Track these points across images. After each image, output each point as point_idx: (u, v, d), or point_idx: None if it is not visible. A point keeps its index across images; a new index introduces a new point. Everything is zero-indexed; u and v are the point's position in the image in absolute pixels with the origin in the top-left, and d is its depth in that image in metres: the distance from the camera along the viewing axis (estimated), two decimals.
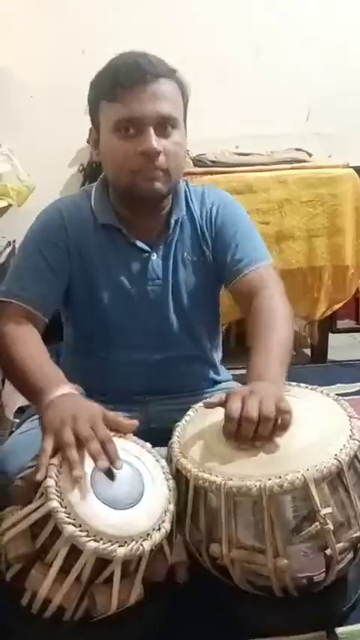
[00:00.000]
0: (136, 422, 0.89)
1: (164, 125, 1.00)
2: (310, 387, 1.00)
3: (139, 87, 0.98)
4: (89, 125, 1.13)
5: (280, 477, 0.79)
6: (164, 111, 0.99)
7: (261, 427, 0.81)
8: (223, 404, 0.86)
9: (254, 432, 0.82)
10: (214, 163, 2.07)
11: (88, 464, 0.81)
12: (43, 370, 0.94)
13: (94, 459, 0.80)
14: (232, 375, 1.29)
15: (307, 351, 2.33)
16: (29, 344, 0.99)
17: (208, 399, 0.93)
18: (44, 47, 2.32)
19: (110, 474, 0.81)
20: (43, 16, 2.31)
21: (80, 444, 0.81)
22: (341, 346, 2.34)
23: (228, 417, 0.83)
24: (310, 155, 2.20)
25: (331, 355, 2.27)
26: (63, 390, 0.89)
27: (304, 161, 2.13)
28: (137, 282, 1.11)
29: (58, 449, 0.81)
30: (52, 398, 0.88)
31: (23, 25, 2.31)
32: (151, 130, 0.99)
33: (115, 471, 0.81)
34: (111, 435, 0.84)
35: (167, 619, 0.88)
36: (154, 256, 1.11)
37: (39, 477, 0.78)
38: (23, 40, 2.32)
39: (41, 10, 2.31)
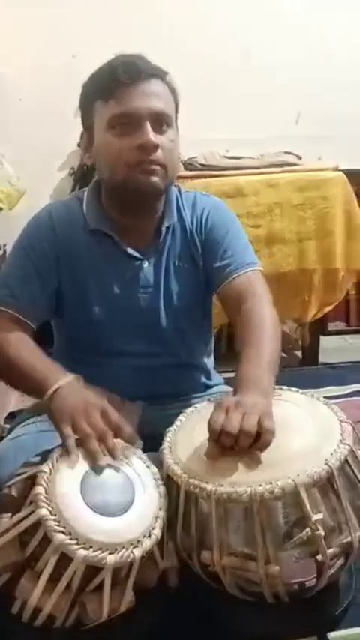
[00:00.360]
0: (139, 442, 0.92)
1: (159, 122, 1.01)
2: (300, 390, 1.00)
3: (135, 84, 0.99)
4: (80, 129, 1.12)
5: (270, 483, 0.79)
6: (159, 107, 1.00)
7: (240, 440, 0.82)
8: None
9: (236, 444, 0.82)
10: (205, 167, 2.07)
11: (80, 469, 0.80)
12: (42, 363, 0.97)
13: (110, 454, 0.84)
14: (224, 378, 1.29)
15: (299, 354, 2.34)
16: (22, 344, 1.01)
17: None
18: (34, 51, 2.31)
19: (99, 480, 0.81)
20: (34, 20, 2.31)
21: (88, 437, 0.84)
22: (332, 348, 2.35)
23: (209, 428, 0.84)
24: (299, 158, 2.21)
25: (322, 358, 2.28)
26: (67, 378, 0.92)
27: (294, 164, 2.14)
28: (128, 290, 1.11)
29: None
30: (57, 386, 0.90)
31: (13, 30, 2.30)
32: (148, 125, 0.99)
33: (104, 476, 0.81)
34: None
35: (159, 625, 0.88)
36: (145, 264, 1.11)
37: (74, 459, 0.82)
38: (13, 44, 2.31)
39: (31, 15, 2.30)
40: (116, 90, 0.99)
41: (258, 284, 1.09)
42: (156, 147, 1.00)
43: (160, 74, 1.03)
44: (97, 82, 1.03)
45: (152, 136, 0.99)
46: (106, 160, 1.03)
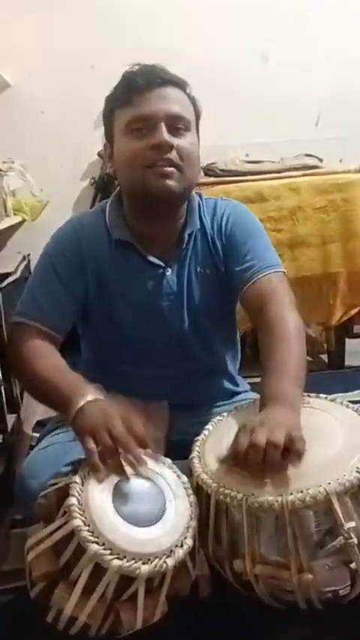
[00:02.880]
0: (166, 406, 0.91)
1: (176, 125, 1.02)
2: (329, 397, 0.99)
3: (150, 89, 1.01)
4: (100, 139, 1.14)
5: (301, 492, 0.78)
6: (175, 110, 1.02)
7: (268, 453, 0.80)
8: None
9: (263, 461, 0.81)
10: (225, 172, 2.07)
11: (111, 480, 0.81)
12: (68, 379, 0.96)
13: (137, 465, 0.84)
14: (249, 383, 1.29)
15: (324, 357, 2.31)
16: (49, 358, 1.01)
17: (221, 456, 0.89)
18: (54, 64, 2.36)
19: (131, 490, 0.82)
20: (53, 33, 2.35)
21: (114, 450, 0.83)
22: (358, 351, 2.32)
23: (234, 451, 0.83)
24: (320, 160, 2.20)
25: (349, 361, 2.25)
26: (90, 397, 0.91)
27: (315, 167, 2.13)
28: (152, 298, 1.11)
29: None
30: (81, 404, 0.89)
31: (33, 43, 2.35)
32: (163, 126, 1.00)
33: (136, 487, 0.82)
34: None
35: (192, 633, 0.88)
36: (168, 272, 1.11)
37: (101, 476, 0.81)
38: (33, 57, 2.36)
39: (50, 28, 2.35)
40: (133, 95, 1.01)
41: (280, 286, 1.07)
42: (171, 147, 1.00)
43: (178, 83, 1.04)
44: (116, 92, 1.05)
45: (167, 136, 1.00)
46: (124, 164, 1.04)
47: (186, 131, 1.03)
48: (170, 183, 1.01)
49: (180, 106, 1.03)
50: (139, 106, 1.01)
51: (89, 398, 0.90)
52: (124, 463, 0.84)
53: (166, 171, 1.01)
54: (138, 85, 1.01)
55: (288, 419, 0.85)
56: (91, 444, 0.84)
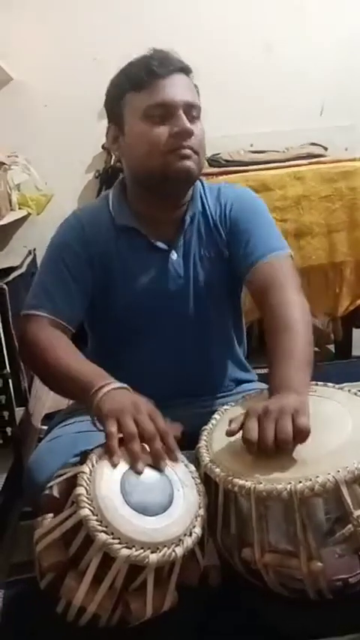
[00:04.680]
0: (180, 426, 0.90)
1: (191, 112, 1.04)
2: (337, 386, 0.99)
3: (169, 76, 1.02)
4: (104, 131, 1.13)
5: (310, 480, 0.78)
6: (191, 99, 1.04)
7: (280, 449, 0.81)
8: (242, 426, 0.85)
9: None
10: (229, 162, 2.06)
11: (120, 469, 0.81)
12: (89, 366, 0.97)
13: (155, 459, 0.83)
14: (257, 374, 1.28)
15: (331, 348, 2.31)
16: (65, 347, 1.02)
17: (228, 427, 0.88)
18: (56, 57, 2.35)
19: (139, 480, 0.82)
20: (55, 26, 2.34)
21: (135, 437, 0.83)
22: None
23: (244, 440, 0.83)
24: (325, 149, 2.19)
25: (356, 351, 2.24)
26: (116, 384, 0.91)
27: (320, 156, 2.12)
28: (159, 282, 1.11)
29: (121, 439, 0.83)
30: (107, 390, 0.89)
31: (35, 36, 2.34)
32: (182, 114, 1.02)
33: (144, 476, 0.82)
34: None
35: (202, 624, 0.88)
36: (173, 255, 1.12)
37: (115, 460, 0.81)
38: (36, 50, 2.35)
39: (52, 20, 2.34)
40: (151, 81, 1.02)
41: (284, 269, 1.05)
42: (191, 134, 1.03)
43: (187, 70, 1.07)
44: (130, 75, 1.05)
45: (187, 123, 1.02)
46: (142, 149, 1.05)
47: (197, 119, 1.06)
48: (190, 164, 1.04)
49: (193, 94, 1.06)
50: (159, 93, 1.02)
51: (116, 385, 0.91)
52: (137, 453, 0.83)
53: (188, 153, 1.03)
54: (156, 71, 1.02)
55: (293, 402, 0.84)
56: (114, 427, 0.83)
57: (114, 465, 0.81)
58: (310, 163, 2.03)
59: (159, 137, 1.02)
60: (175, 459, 0.85)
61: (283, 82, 2.43)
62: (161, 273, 1.11)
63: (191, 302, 1.13)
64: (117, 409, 0.85)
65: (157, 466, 0.84)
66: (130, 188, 1.13)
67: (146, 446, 0.85)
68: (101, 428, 0.87)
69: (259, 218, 1.13)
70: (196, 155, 1.05)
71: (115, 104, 1.08)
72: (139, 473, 0.82)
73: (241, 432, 0.85)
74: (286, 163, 2.03)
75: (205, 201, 1.14)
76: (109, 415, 0.85)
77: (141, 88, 1.03)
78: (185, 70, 1.06)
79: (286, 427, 0.81)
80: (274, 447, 0.81)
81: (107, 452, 0.82)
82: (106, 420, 0.85)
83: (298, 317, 0.98)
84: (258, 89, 2.41)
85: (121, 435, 0.84)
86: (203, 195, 1.15)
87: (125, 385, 0.92)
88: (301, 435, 0.81)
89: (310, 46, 2.44)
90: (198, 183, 1.15)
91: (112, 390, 0.90)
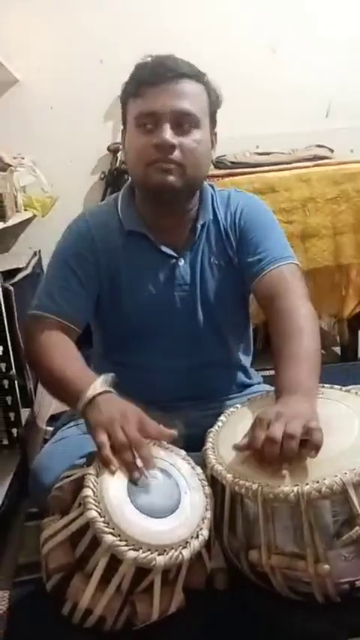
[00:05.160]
0: (174, 432, 0.89)
1: (181, 122, 1.01)
2: (343, 388, 0.98)
3: (159, 84, 1.00)
4: (110, 133, 1.14)
5: (317, 482, 0.78)
6: (182, 107, 1.01)
7: (285, 444, 0.80)
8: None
9: (280, 454, 0.80)
10: (235, 164, 2.06)
11: (126, 473, 0.81)
12: (82, 375, 0.96)
13: (145, 465, 0.82)
14: (262, 376, 1.28)
15: (337, 350, 2.30)
16: (65, 353, 1.01)
17: (237, 443, 0.88)
18: (62, 58, 2.35)
19: (146, 482, 0.81)
20: (61, 27, 2.34)
21: (127, 446, 0.83)
22: None
23: (251, 444, 0.83)
24: (332, 151, 2.18)
25: None
26: (100, 387, 0.90)
27: (326, 157, 2.11)
28: (165, 289, 1.11)
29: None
30: (91, 396, 0.89)
31: (41, 38, 2.35)
32: (167, 125, 1.00)
33: (150, 478, 0.82)
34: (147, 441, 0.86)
35: (208, 626, 0.88)
36: (181, 262, 1.11)
37: (113, 468, 0.80)
38: (41, 52, 2.35)
39: (58, 22, 2.34)
40: (142, 89, 1.01)
41: (292, 278, 1.06)
42: (172, 147, 1.00)
43: (191, 74, 1.03)
44: (131, 81, 1.05)
45: (169, 135, 1.00)
46: (131, 157, 1.06)
47: (193, 128, 1.02)
48: (170, 178, 1.02)
49: (189, 102, 1.01)
50: (147, 102, 1.01)
51: (99, 389, 0.90)
52: (129, 464, 0.83)
53: (166, 167, 1.01)
54: (146, 79, 1.01)
55: (304, 409, 0.84)
56: (103, 438, 0.83)
57: (113, 473, 0.81)
58: (315, 165, 2.02)
59: (142, 147, 1.01)
60: (172, 452, 0.85)
61: (289, 83, 2.42)
62: (168, 279, 1.11)
63: (198, 309, 1.12)
64: (105, 420, 0.85)
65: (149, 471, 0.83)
66: (137, 193, 1.12)
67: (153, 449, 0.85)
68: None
69: (269, 226, 1.14)
70: (181, 168, 1.01)
71: (123, 110, 1.09)
72: (136, 482, 0.81)
73: (248, 429, 0.85)
74: (292, 165, 2.02)
75: (216, 208, 1.14)
76: (97, 426, 0.85)
77: (136, 95, 1.02)
78: (188, 76, 1.02)
79: (295, 426, 0.80)
80: (279, 443, 0.80)
81: (102, 462, 0.82)
82: (94, 431, 0.85)
83: (304, 323, 0.99)
84: (264, 91, 2.40)
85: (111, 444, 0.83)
86: (215, 202, 1.14)
87: (108, 388, 0.91)
88: (315, 435, 0.80)
89: (316, 48, 2.43)
90: (209, 189, 1.15)
91: (98, 397, 0.89)
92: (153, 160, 1.01)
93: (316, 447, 0.80)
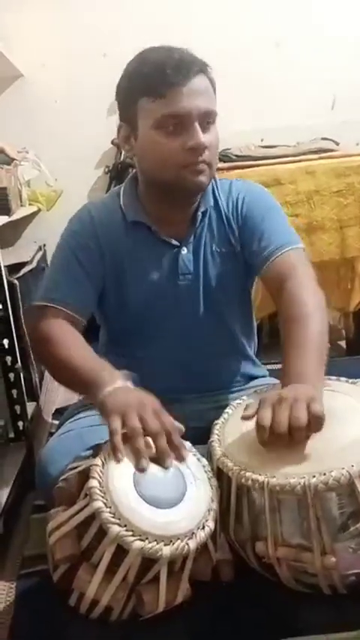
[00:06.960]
0: (182, 427, 0.89)
1: (206, 120, 1.01)
2: (350, 380, 0.98)
3: (184, 83, 0.98)
4: (113, 127, 1.13)
5: (324, 474, 0.77)
6: (207, 106, 1.00)
7: (294, 436, 0.80)
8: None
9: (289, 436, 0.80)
10: (240, 158, 2.05)
11: (131, 463, 0.81)
12: (96, 363, 0.96)
13: (160, 456, 0.82)
14: (267, 370, 1.28)
15: (343, 344, 2.29)
16: (75, 342, 1.01)
17: (245, 412, 0.89)
18: (66, 53, 2.35)
19: (152, 473, 0.81)
20: (64, 21, 2.34)
21: (140, 433, 0.82)
22: None
23: (258, 427, 0.82)
24: (337, 144, 2.17)
25: None
26: (121, 382, 0.90)
27: (331, 150, 2.10)
28: (169, 278, 1.11)
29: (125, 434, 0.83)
30: (112, 388, 0.89)
31: (44, 33, 2.34)
32: (197, 126, 0.99)
33: (158, 468, 0.82)
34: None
35: (214, 617, 0.88)
36: (184, 250, 1.11)
37: (119, 456, 0.80)
38: (45, 47, 2.35)
39: (62, 16, 2.33)
40: (166, 90, 0.98)
41: (298, 263, 1.05)
42: (205, 148, 1.00)
43: (203, 69, 1.02)
44: (144, 78, 1.00)
45: (202, 137, 0.99)
46: (154, 159, 1.03)
47: (211, 124, 1.03)
48: (203, 179, 1.03)
49: (209, 99, 1.01)
50: (173, 103, 0.98)
51: (120, 383, 0.90)
52: (141, 451, 0.82)
53: (201, 168, 1.01)
54: (170, 78, 0.97)
55: (307, 391, 0.84)
56: (117, 424, 0.83)
57: (118, 461, 0.80)
58: (321, 158, 2.01)
59: (173, 151, 0.99)
60: (181, 458, 0.84)
61: (294, 76, 2.41)
62: (171, 268, 1.11)
63: (201, 297, 1.12)
64: (121, 405, 0.85)
65: (162, 464, 0.83)
66: (142, 186, 1.12)
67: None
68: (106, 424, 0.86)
69: (273, 212, 1.13)
70: (209, 167, 1.02)
71: (128, 105, 1.04)
72: (142, 470, 0.81)
73: (254, 421, 0.84)
74: (297, 158, 2.02)
75: (217, 195, 1.14)
76: (112, 411, 0.85)
77: (155, 95, 0.98)
78: (202, 70, 1.01)
79: (300, 413, 0.80)
80: (287, 433, 0.79)
81: (112, 449, 0.81)
82: (109, 416, 0.85)
83: (312, 309, 0.98)
84: (269, 84, 2.39)
85: (125, 431, 0.83)
86: (215, 189, 1.14)
87: (130, 384, 0.91)
88: (315, 422, 0.80)
89: (321, 41, 2.42)
90: None
91: (117, 388, 0.89)
92: (188, 162, 1.00)
93: (314, 431, 0.80)
